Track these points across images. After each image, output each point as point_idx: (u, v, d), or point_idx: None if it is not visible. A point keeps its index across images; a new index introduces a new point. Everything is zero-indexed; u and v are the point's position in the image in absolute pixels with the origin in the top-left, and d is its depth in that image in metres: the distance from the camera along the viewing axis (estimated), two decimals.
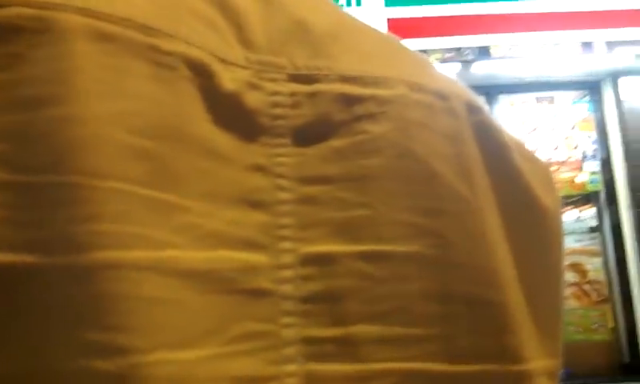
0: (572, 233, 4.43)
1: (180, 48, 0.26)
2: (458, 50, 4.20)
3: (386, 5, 4.13)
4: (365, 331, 0.28)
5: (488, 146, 0.33)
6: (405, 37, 4.06)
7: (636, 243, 4.34)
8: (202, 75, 0.26)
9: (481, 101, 0.35)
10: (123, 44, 0.24)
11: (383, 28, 4.04)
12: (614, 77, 4.45)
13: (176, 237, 0.24)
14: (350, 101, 0.30)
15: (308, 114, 0.29)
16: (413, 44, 4.08)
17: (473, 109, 0.34)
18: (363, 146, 0.29)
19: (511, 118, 4.54)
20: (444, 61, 4.17)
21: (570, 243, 4.39)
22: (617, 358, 4.37)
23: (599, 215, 4.52)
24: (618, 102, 4.45)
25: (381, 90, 0.31)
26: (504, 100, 4.54)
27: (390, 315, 0.28)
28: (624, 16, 4.29)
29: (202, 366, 0.24)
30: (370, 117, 0.30)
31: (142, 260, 0.23)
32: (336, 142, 0.29)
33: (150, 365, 0.22)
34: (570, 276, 4.35)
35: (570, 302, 4.32)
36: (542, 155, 4.44)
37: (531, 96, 4.59)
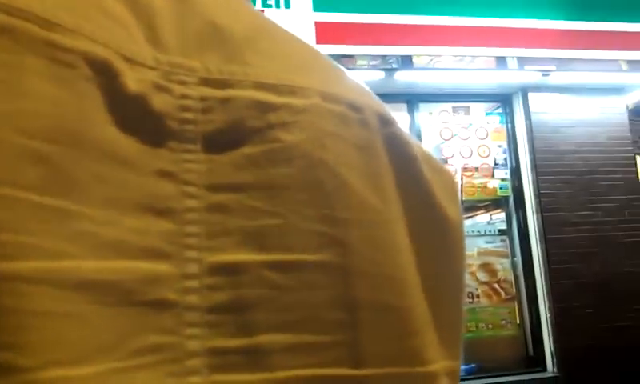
0: (483, 235, 4.72)
1: (82, 45, 0.24)
2: (383, 57, 4.36)
3: (314, 9, 4.21)
4: (272, 340, 0.27)
5: (398, 157, 0.34)
6: (332, 42, 4.19)
7: (541, 245, 4.68)
8: (104, 74, 0.25)
9: (392, 112, 0.35)
10: (19, 38, 0.23)
11: (311, 31, 4.17)
12: (525, 91, 4.79)
13: (71, 246, 0.23)
14: (263, 108, 0.29)
15: (219, 119, 0.28)
16: (340, 49, 4.23)
17: (384, 121, 0.34)
18: (275, 155, 0.29)
19: (430, 125, 4.77)
20: (369, 67, 4.32)
21: (481, 244, 4.67)
22: (522, 351, 4.69)
23: (508, 219, 4.83)
24: (528, 115, 4.79)
25: (295, 99, 0.30)
26: (424, 108, 4.76)
27: (298, 324, 0.28)
28: (534, 36, 4.64)
29: (98, 382, 0.22)
30: (283, 125, 0.29)
31: (33, 271, 0.21)
32: (248, 150, 0.28)
33: (42, 383, 0.21)
34: (481, 275, 4.63)
35: (481, 300, 4.59)
36: (457, 161, 4.70)
37: (449, 106, 4.84)
